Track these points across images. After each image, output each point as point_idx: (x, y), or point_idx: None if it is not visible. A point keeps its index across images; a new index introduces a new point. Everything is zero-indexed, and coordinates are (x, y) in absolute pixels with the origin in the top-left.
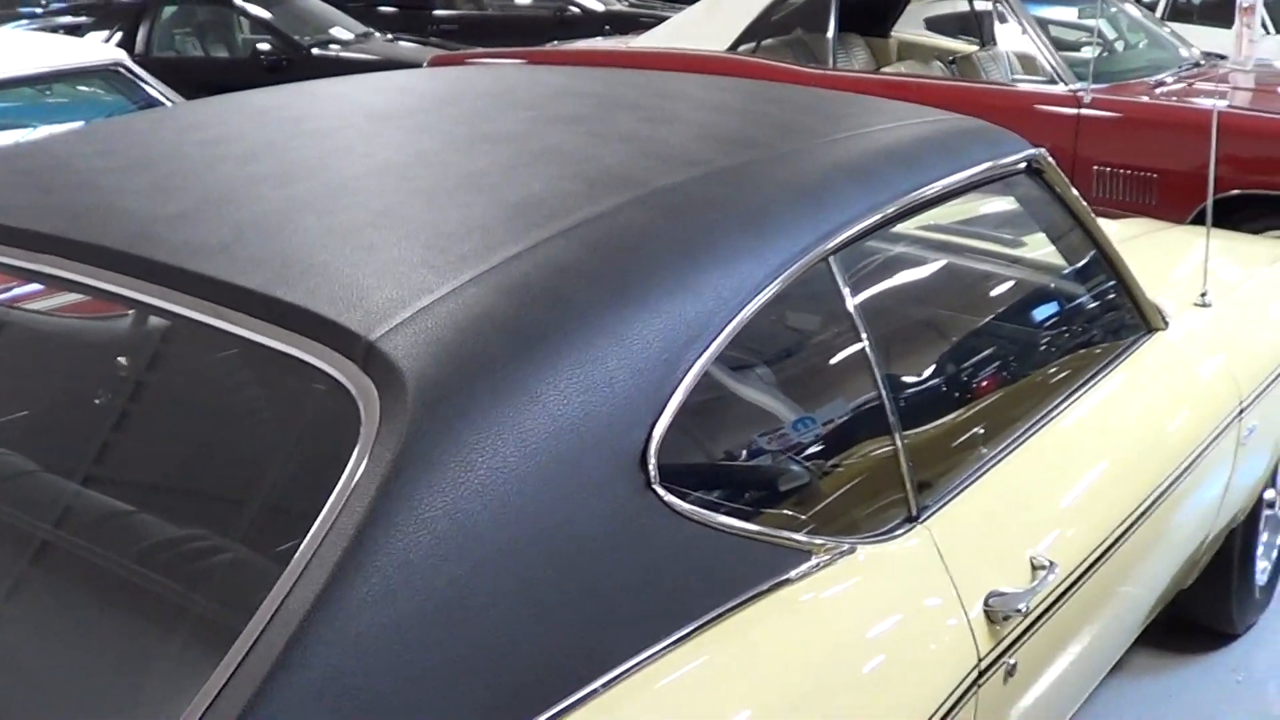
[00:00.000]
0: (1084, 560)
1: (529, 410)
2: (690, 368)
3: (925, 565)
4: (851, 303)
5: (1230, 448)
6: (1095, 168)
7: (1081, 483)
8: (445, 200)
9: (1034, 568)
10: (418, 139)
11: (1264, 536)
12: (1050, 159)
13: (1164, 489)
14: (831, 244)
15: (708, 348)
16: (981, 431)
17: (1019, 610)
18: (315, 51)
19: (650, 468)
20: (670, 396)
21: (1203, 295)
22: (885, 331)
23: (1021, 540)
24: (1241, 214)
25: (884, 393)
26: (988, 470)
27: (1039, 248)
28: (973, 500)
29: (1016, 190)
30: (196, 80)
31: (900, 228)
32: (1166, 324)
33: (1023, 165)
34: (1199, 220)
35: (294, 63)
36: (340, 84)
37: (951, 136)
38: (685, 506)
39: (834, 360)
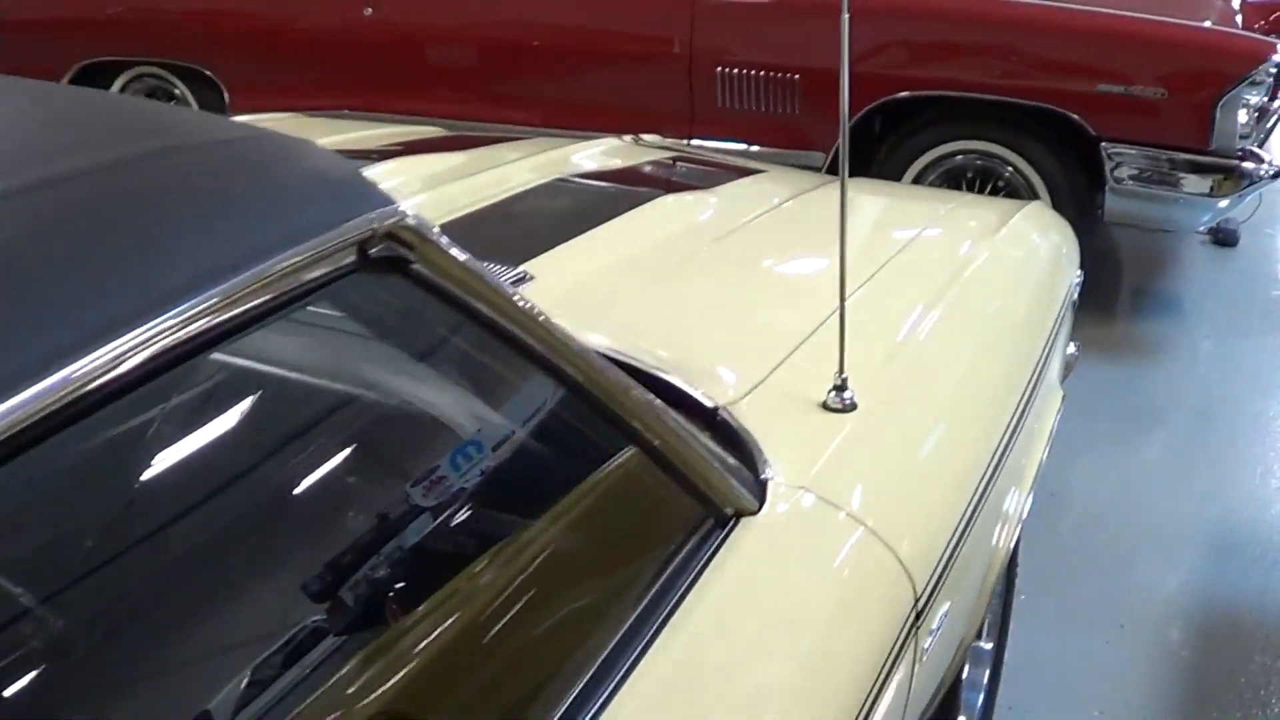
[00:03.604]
0: None
1: None
2: None
3: None
4: None
5: (905, 676)
6: (719, 69)
7: None
8: None
9: None
10: None
11: None
12: (420, 227)
13: None
14: None
15: None
16: None
17: None
18: None
19: None
20: None
21: (838, 390)
22: None
23: None
24: (915, 121)
25: None
26: None
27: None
28: None
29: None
30: None
31: None
32: (760, 499)
33: (350, 260)
34: (859, 130)
35: None
36: None
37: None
38: None
39: None
